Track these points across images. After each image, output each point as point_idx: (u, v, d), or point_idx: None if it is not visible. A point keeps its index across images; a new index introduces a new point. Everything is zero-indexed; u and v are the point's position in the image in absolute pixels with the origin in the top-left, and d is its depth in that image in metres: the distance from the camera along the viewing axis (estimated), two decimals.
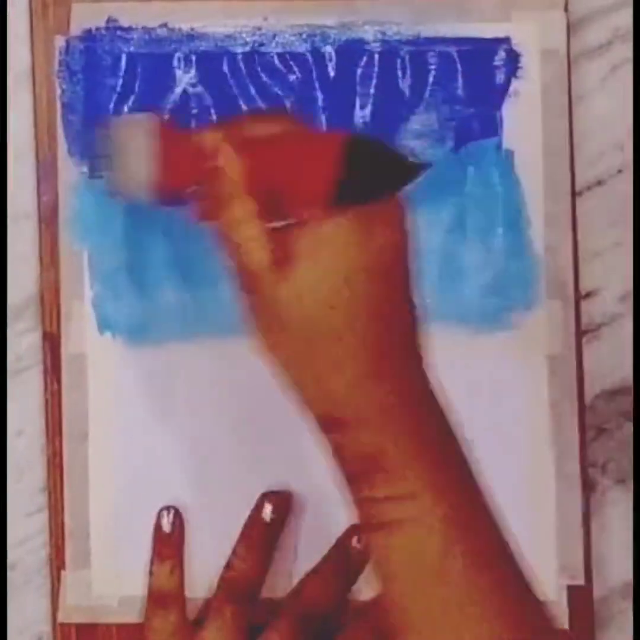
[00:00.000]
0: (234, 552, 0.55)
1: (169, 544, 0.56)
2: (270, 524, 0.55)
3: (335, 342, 0.43)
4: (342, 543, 0.55)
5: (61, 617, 0.57)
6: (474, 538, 0.43)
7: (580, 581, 0.56)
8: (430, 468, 0.43)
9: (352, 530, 0.55)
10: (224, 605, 0.54)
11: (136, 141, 0.46)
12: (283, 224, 0.44)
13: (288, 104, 0.56)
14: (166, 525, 0.56)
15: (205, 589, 0.56)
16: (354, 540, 0.55)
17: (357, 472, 0.44)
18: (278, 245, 0.43)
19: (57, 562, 0.57)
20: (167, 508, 0.56)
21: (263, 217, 0.43)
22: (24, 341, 0.58)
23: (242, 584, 0.55)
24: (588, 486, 0.56)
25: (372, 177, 0.43)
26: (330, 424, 0.44)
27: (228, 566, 0.55)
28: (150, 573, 0.56)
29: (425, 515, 0.42)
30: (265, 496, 0.55)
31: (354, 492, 0.44)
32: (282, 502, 0.55)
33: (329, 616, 0.55)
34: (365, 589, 0.55)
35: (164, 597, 0.55)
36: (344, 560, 0.55)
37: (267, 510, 0.55)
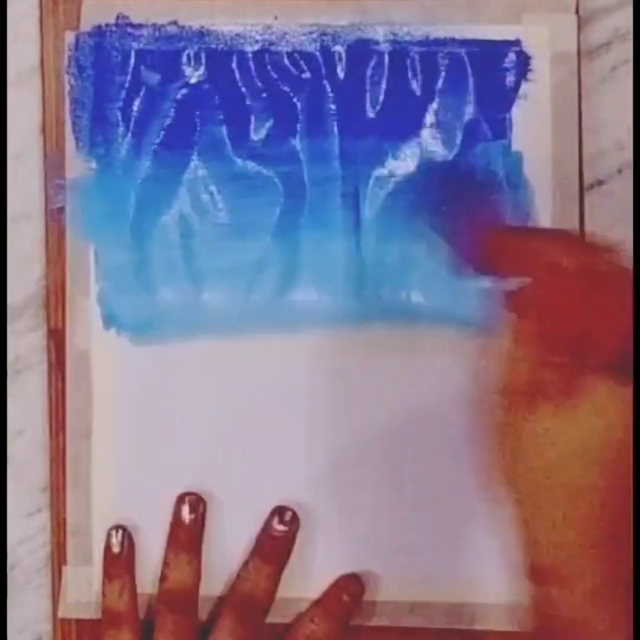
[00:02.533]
0: (164, 562, 0.56)
1: (117, 564, 0.56)
2: (190, 524, 0.56)
3: (583, 498, 0.42)
4: (267, 527, 0.56)
5: (62, 613, 0.57)
6: None
7: None
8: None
9: (276, 512, 0.55)
10: (166, 617, 0.55)
11: None
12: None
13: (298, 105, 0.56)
14: (115, 545, 0.56)
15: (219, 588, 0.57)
16: (276, 521, 0.55)
17: (560, 630, 0.43)
18: (565, 378, 0.42)
19: (58, 558, 0.56)
20: (116, 528, 0.56)
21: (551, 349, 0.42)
22: (24, 341, 0.57)
23: (178, 592, 0.55)
24: None
25: None
26: (550, 575, 0.43)
27: (162, 578, 0.55)
28: (102, 593, 0.56)
29: None
30: (181, 498, 0.56)
31: None
32: (198, 500, 0.56)
33: (269, 604, 0.56)
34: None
35: (114, 617, 0.55)
36: (270, 544, 0.56)
37: (185, 511, 0.56)
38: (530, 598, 0.44)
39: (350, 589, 0.56)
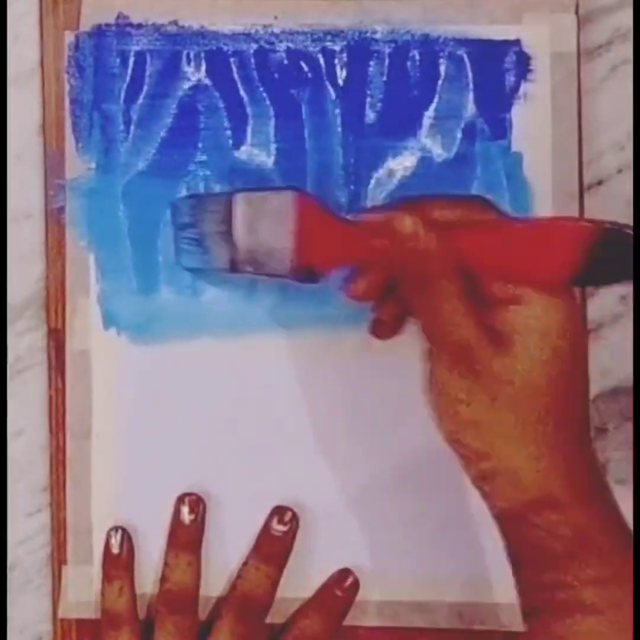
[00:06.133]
0: (164, 562, 0.56)
1: (116, 564, 0.56)
2: (190, 524, 0.56)
3: (535, 421, 0.45)
4: (267, 527, 0.56)
5: (62, 612, 0.57)
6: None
7: None
8: (622, 551, 0.44)
9: (275, 512, 0.56)
10: (166, 617, 0.55)
11: (271, 217, 0.48)
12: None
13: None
14: (114, 546, 0.56)
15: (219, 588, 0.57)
16: (275, 521, 0.55)
17: (564, 553, 0.44)
18: (487, 322, 0.45)
19: (58, 558, 0.56)
20: (115, 529, 0.56)
21: (462, 297, 0.45)
22: (24, 341, 0.57)
23: (179, 593, 0.55)
24: None
25: (617, 264, 0.46)
26: (545, 504, 0.44)
27: (163, 579, 0.56)
28: (101, 594, 0.56)
29: (621, 601, 0.43)
30: (180, 498, 0.56)
31: (545, 573, 0.44)
32: (198, 500, 0.56)
33: (268, 604, 0.56)
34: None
35: (113, 618, 0.55)
36: (270, 544, 0.56)
37: (184, 511, 0.56)
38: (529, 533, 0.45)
39: (343, 584, 0.56)
